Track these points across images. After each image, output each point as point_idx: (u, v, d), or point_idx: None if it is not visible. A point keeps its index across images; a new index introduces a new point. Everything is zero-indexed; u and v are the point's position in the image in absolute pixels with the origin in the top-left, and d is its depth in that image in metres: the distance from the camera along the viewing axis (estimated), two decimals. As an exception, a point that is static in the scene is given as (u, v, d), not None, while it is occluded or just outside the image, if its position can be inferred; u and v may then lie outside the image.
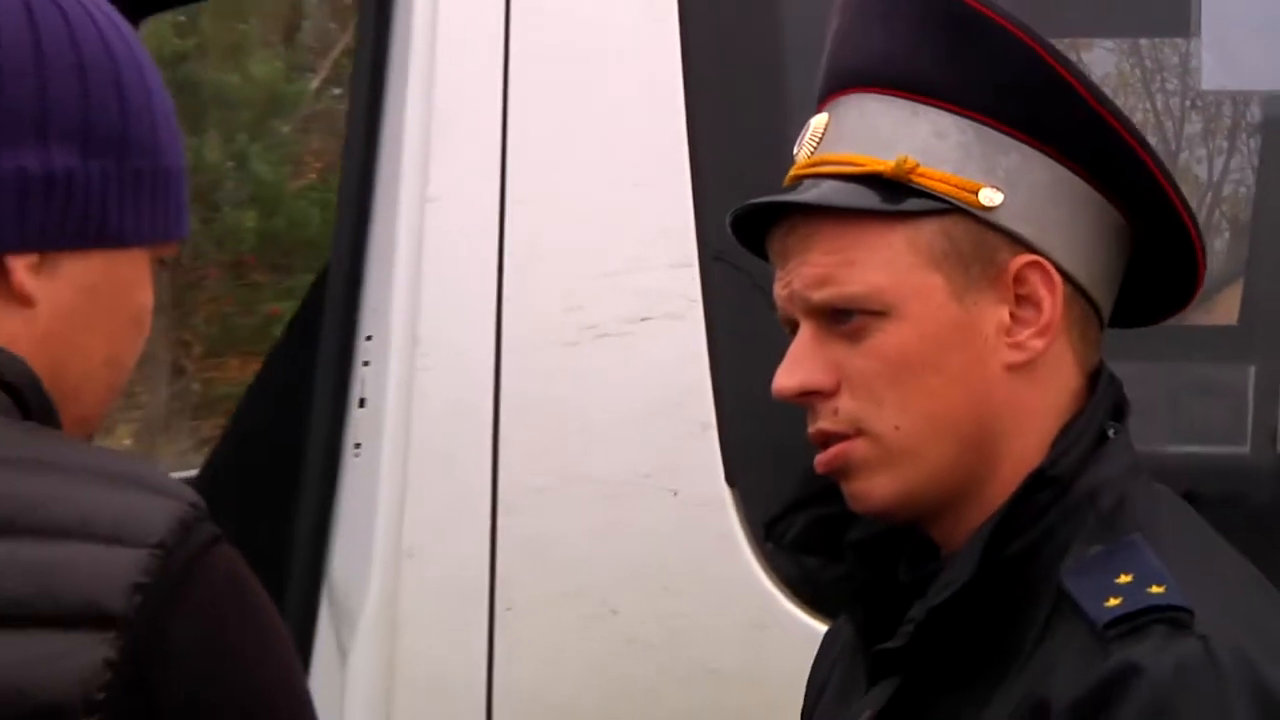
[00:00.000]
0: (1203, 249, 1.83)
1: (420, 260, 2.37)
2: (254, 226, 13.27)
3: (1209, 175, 2.95)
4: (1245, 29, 2.37)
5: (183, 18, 13.31)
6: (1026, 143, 1.77)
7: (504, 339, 2.33)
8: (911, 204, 1.75)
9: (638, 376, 2.28)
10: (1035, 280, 1.75)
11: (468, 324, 2.35)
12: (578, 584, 2.31)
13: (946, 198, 1.74)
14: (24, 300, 1.43)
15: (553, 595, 2.31)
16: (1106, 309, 1.84)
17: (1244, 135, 2.87)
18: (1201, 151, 2.89)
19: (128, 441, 12.55)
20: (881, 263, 1.75)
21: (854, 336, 1.75)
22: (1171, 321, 2.86)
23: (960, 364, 1.75)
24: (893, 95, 1.80)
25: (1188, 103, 2.75)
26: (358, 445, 2.42)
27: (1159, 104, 2.86)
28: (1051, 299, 1.76)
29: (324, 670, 2.40)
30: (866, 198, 1.75)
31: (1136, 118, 2.83)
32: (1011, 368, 1.76)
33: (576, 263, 2.33)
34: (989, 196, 1.74)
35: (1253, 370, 2.83)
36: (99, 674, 1.28)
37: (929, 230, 1.75)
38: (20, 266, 1.42)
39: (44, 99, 1.43)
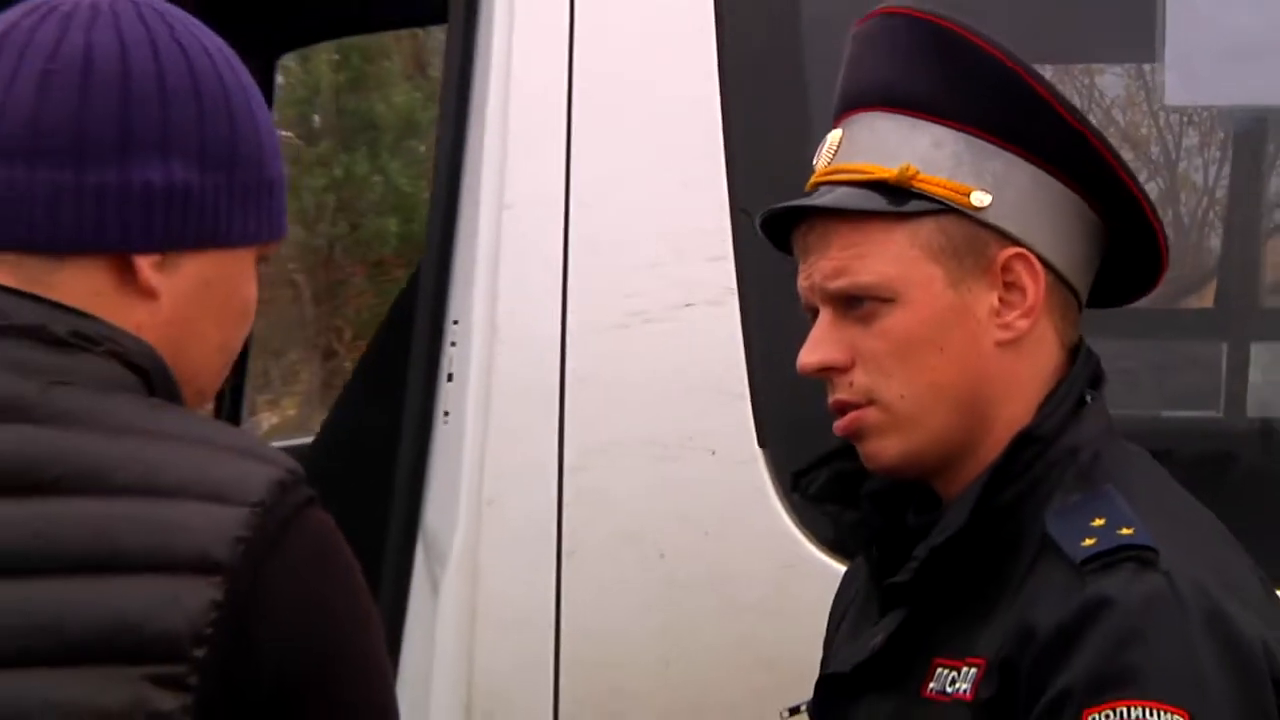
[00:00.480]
0: (1165, 241, 1.84)
1: (498, 257, 2.35)
2: (395, 231, 13.56)
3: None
4: (1205, 53, 2.35)
5: (337, 55, 13.52)
6: (1010, 151, 1.78)
7: (568, 323, 2.33)
8: (913, 205, 1.76)
9: (681, 355, 2.28)
10: (1020, 269, 1.76)
11: (537, 311, 2.33)
12: (631, 531, 2.30)
13: (943, 199, 1.76)
14: (149, 293, 1.44)
15: (610, 541, 2.30)
16: (1084, 292, 1.83)
17: (1210, 146, 2.86)
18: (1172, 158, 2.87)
19: (291, 412, 12.96)
20: (888, 256, 1.76)
21: (865, 320, 1.77)
22: (1161, 305, 2.90)
23: (957, 342, 1.77)
24: (896, 113, 1.80)
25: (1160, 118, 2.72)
26: (446, 413, 2.41)
27: (1131, 118, 2.81)
28: (1034, 285, 1.76)
29: (418, 602, 2.40)
30: (875, 201, 1.77)
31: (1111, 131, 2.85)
32: (1001, 344, 1.77)
33: (629, 258, 2.32)
34: (979, 198, 1.75)
35: (1225, 346, 2.82)
36: (206, 613, 1.29)
37: (928, 228, 1.76)
38: (146, 265, 1.42)
39: (166, 123, 1.43)
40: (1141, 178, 2.55)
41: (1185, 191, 2.96)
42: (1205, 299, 2.99)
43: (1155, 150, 2.87)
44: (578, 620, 2.29)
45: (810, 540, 2.24)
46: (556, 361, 2.33)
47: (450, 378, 2.42)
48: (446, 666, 2.30)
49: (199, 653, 1.29)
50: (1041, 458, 1.76)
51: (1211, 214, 2.95)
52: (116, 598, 1.30)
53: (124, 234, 1.43)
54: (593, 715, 2.30)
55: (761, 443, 2.26)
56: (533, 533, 2.30)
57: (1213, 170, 2.92)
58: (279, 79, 6.18)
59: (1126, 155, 2.55)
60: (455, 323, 2.43)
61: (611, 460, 2.32)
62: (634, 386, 2.33)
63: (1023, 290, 1.77)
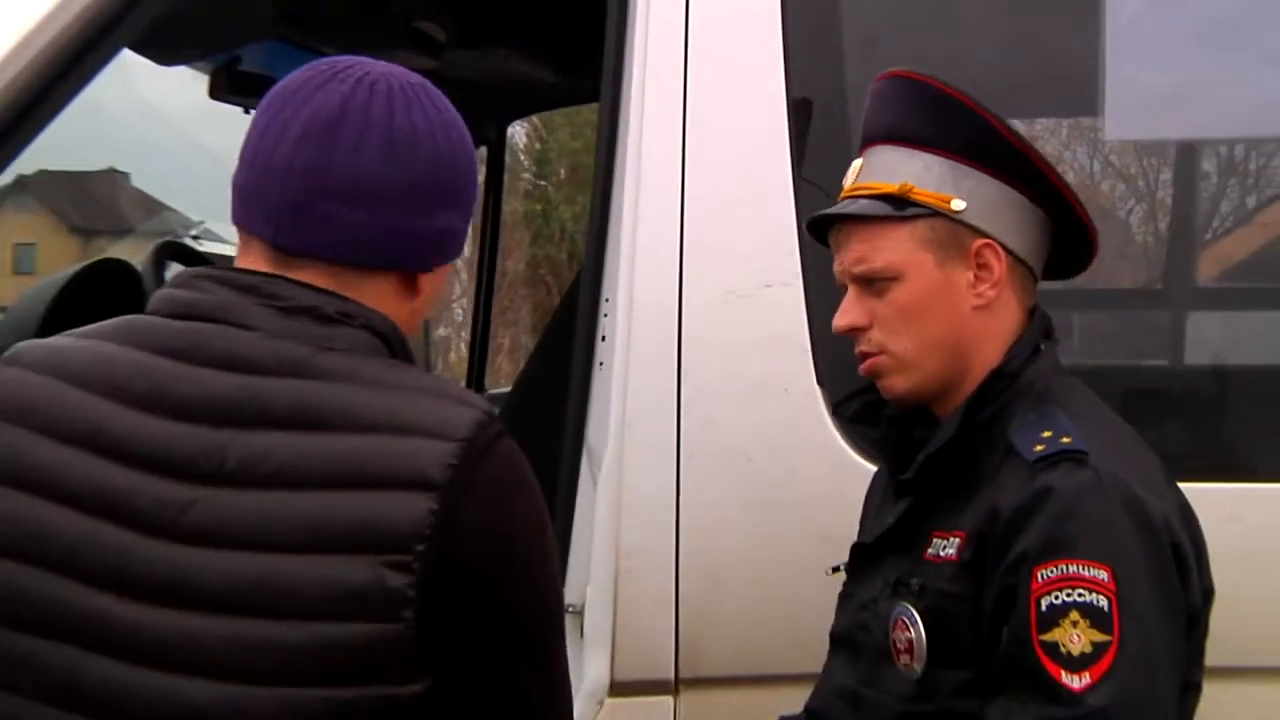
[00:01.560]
0: (1094, 232, 1.87)
1: (634, 255, 2.32)
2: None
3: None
4: (1141, 100, 2.32)
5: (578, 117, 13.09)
6: (979, 170, 1.81)
7: (683, 299, 2.31)
8: (910, 211, 1.81)
9: (763, 321, 2.26)
10: (988, 254, 1.81)
11: (662, 290, 2.31)
12: (728, 445, 2.27)
13: (931, 206, 1.80)
14: (416, 294, 1.45)
15: (712, 452, 2.27)
16: (1038, 270, 1.86)
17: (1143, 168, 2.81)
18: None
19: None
20: (894, 248, 1.81)
21: (880, 294, 1.83)
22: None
23: (944, 308, 1.81)
24: (899, 146, 1.84)
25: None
26: (601, 363, 2.41)
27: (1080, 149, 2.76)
28: (999, 265, 1.81)
29: (584, 494, 2.42)
30: (883, 209, 1.82)
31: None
32: (976, 309, 1.82)
33: (725, 253, 2.29)
34: (957, 204, 1.81)
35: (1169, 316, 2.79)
36: (425, 518, 1.28)
37: (922, 227, 1.82)
38: (424, 278, 1.45)
39: (454, 185, 1.44)
40: (1091, 194, 2.57)
41: (1123, 201, 2.90)
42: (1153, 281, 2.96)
43: (1098, 171, 2.79)
44: (690, 506, 2.27)
45: (852, 449, 2.23)
46: (675, 327, 2.31)
47: (603, 339, 2.41)
48: (602, 537, 2.28)
49: (419, 547, 1.28)
50: (1009, 388, 1.79)
51: (1146, 219, 2.90)
52: (363, 506, 1.29)
53: (424, 260, 1.44)
54: (699, 572, 2.26)
55: (820, 383, 2.24)
56: (659, 446, 2.28)
57: (1146, 185, 2.88)
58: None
59: (1078, 175, 2.56)
60: (606, 300, 2.42)
61: (713, 396, 2.29)
62: (729, 344, 2.29)
63: (990, 269, 1.81)
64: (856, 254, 1.83)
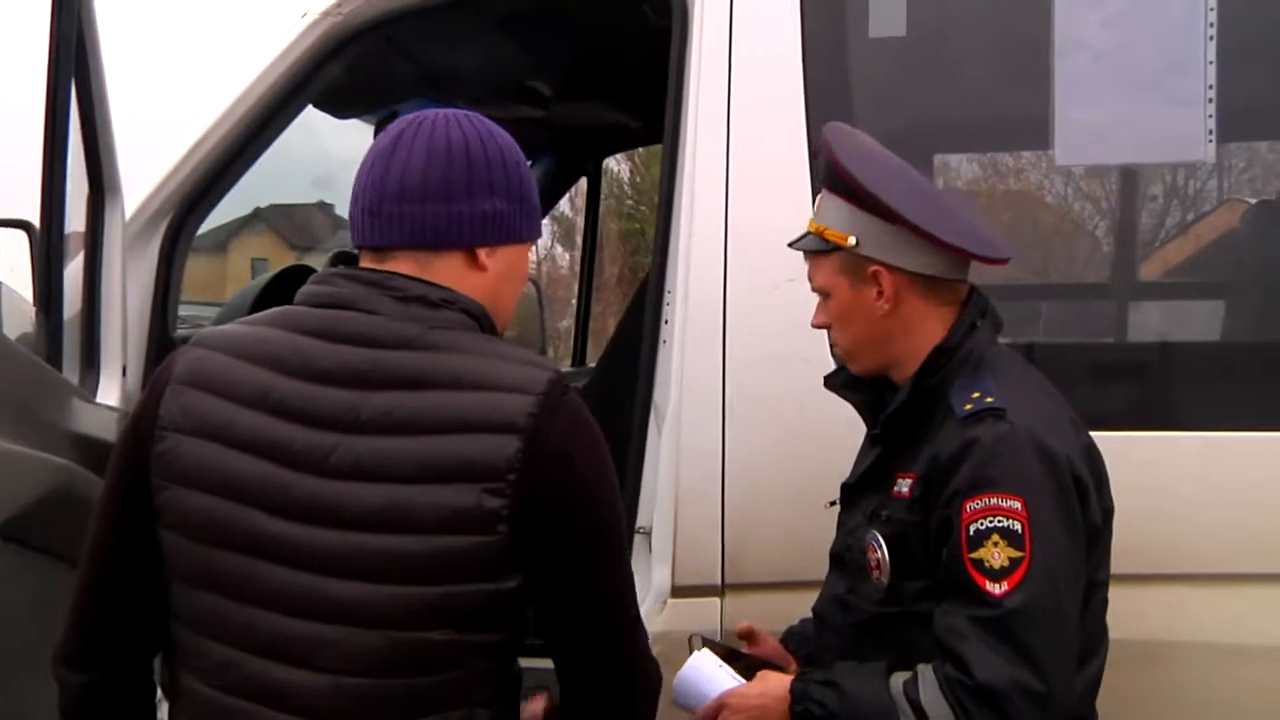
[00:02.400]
0: (960, 250, 1.76)
1: (690, 252, 2.32)
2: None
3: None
4: (1085, 131, 2.28)
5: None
6: (865, 211, 1.75)
7: (727, 290, 2.30)
8: (827, 246, 1.80)
9: (790, 307, 2.17)
10: (882, 274, 1.75)
11: (711, 280, 2.30)
12: (763, 402, 2.27)
13: (835, 243, 1.77)
14: (482, 269, 1.43)
15: (751, 409, 2.27)
16: (946, 272, 1.78)
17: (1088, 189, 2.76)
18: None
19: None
20: (824, 273, 1.82)
21: (826, 303, 1.84)
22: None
23: (861, 315, 1.80)
24: (828, 191, 1.81)
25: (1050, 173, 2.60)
26: (664, 341, 2.41)
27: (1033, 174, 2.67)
28: (889, 284, 1.76)
29: (651, 442, 2.42)
30: (815, 244, 1.82)
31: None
32: (884, 316, 1.79)
33: (761, 252, 2.24)
34: (850, 241, 1.77)
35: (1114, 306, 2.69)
36: (515, 455, 1.30)
37: (835, 258, 1.81)
38: (482, 254, 1.42)
39: (490, 178, 1.41)
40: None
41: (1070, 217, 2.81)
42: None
43: (1049, 192, 2.73)
44: (733, 452, 2.28)
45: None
46: (721, 312, 2.30)
47: (666, 322, 2.40)
48: (665, 476, 2.29)
49: (510, 477, 1.30)
50: (949, 360, 1.76)
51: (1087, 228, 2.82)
52: (465, 446, 1.31)
53: (473, 238, 1.42)
54: (740, 503, 2.26)
55: (834, 357, 2.17)
56: (709, 405, 2.28)
57: (1091, 205, 2.82)
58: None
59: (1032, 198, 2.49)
60: (669, 292, 2.41)
61: (752, 366, 2.29)
62: (764, 325, 2.29)
63: (883, 288, 1.77)
64: (809, 273, 1.86)
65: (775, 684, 1.73)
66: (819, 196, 1.84)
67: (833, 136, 1.82)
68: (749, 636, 1.95)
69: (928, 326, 1.79)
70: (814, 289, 1.84)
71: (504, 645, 1.36)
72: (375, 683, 1.31)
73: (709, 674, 1.78)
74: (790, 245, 1.86)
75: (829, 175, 1.80)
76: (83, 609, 1.45)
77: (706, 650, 1.82)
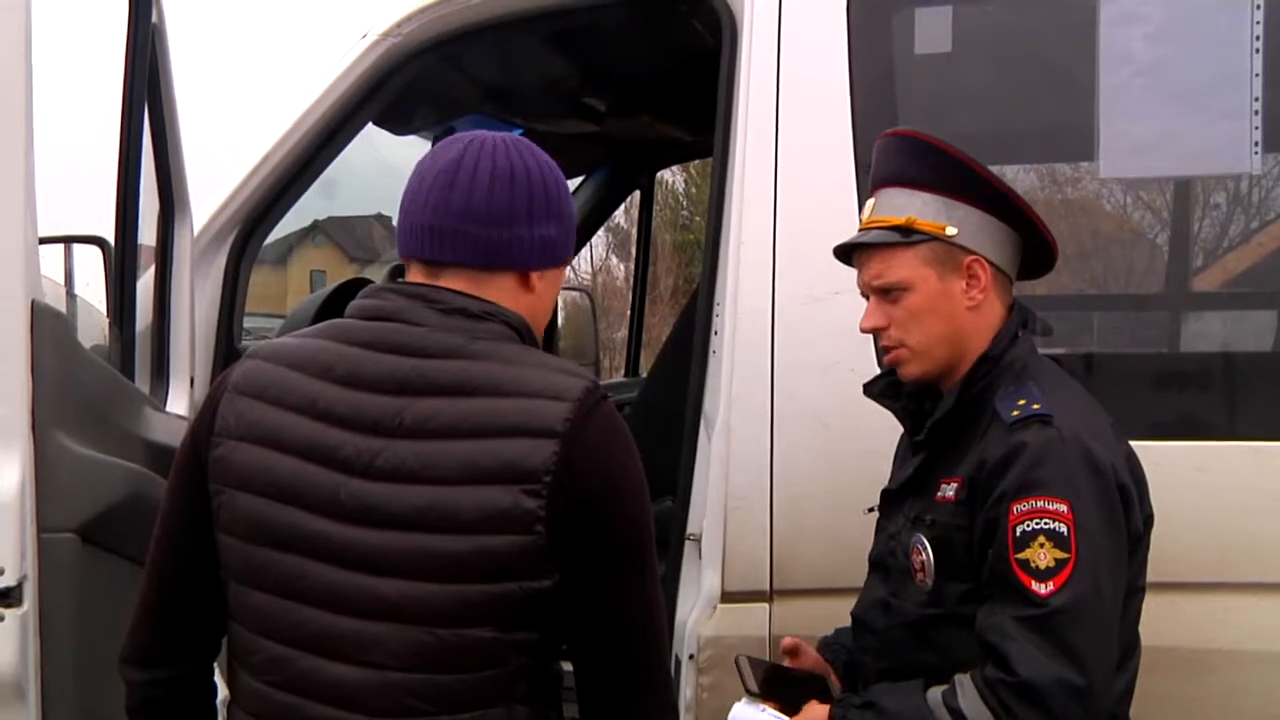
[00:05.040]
0: (1054, 245, 1.83)
1: (739, 266, 2.34)
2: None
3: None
4: (1128, 144, 2.29)
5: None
6: (965, 202, 1.78)
7: (775, 303, 2.32)
8: (915, 238, 1.79)
9: (834, 319, 2.22)
10: (976, 268, 1.78)
11: (759, 295, 2.32)
12: (808, 411, 2.29)
13: (930, 233, 1.78)
14: (531, 290, 1.46)
15: (797, 416, 2.29)
16: (1014, 275, 1.83)
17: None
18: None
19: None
20: (904, 266, 1.81)
21: (895, 301, 1.83)
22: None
23: (945, 310, 1.81)
24: (902, 187, 1.81)
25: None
26: (714, 351, 2.42)
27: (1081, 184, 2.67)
28: (985, 275, 1.78)
29: (702, 449, 2.42)
30: (893, 237, 1.81)
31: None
32: (969, 309, 1.80)
33: (806, 268, 2.29)
34: (950, 231, 1.78)
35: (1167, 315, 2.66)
36: (551, 457, 1.33)
37: (924, 249, 1.80)
38: (534, 276, 1.46)
39: (547, 204, 1.45)
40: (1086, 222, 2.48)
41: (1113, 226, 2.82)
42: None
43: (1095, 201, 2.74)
44: (781, 460, 2.29)
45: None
46: (769, 323, 2.32)
47: (716, 333, 2.42)
48: (715, 483, 2.31)
49: (547, 478, 1.32)
50: (994, 368, 1.78)
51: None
52: (506, 449, 1.33)
53: (528, 262, 1.45)
54: (787, 510, 2.28)
55: (879, 365, 2.17)
56: (757, 414, 2.29)
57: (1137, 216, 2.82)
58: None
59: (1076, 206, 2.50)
60: (718, 304, 2.43)
61: (798, 374, 2.31)
62: (809, 336, 2.30)
63: (978, 279, 1.79)
64: (874, 271, 1.83)
65: (817, 716, 1.75)
66: (880, 193, 1.85)
67: (910, 133, 1.85)
68: (793, 652, 1.96)
69: (991, 326, 1.81)
70: (882, 285, 1.82)
71: (543, 644, 1.38)
72: (421, 678, 1.34)
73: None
74: (865, 242, 1.84)
75: (913, 168, 1.81)
76: (147, 610, 1.50)
77: (744, 701, 1.82)
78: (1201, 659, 2.16)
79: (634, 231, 8.41)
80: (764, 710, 1.79)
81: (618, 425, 1.40)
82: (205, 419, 1.44)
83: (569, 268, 1.59)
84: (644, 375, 4.64)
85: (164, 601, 1.49)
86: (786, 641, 1.99)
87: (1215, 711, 2.18)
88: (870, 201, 1.88)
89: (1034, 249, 1.87)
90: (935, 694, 1.66)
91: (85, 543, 1.98)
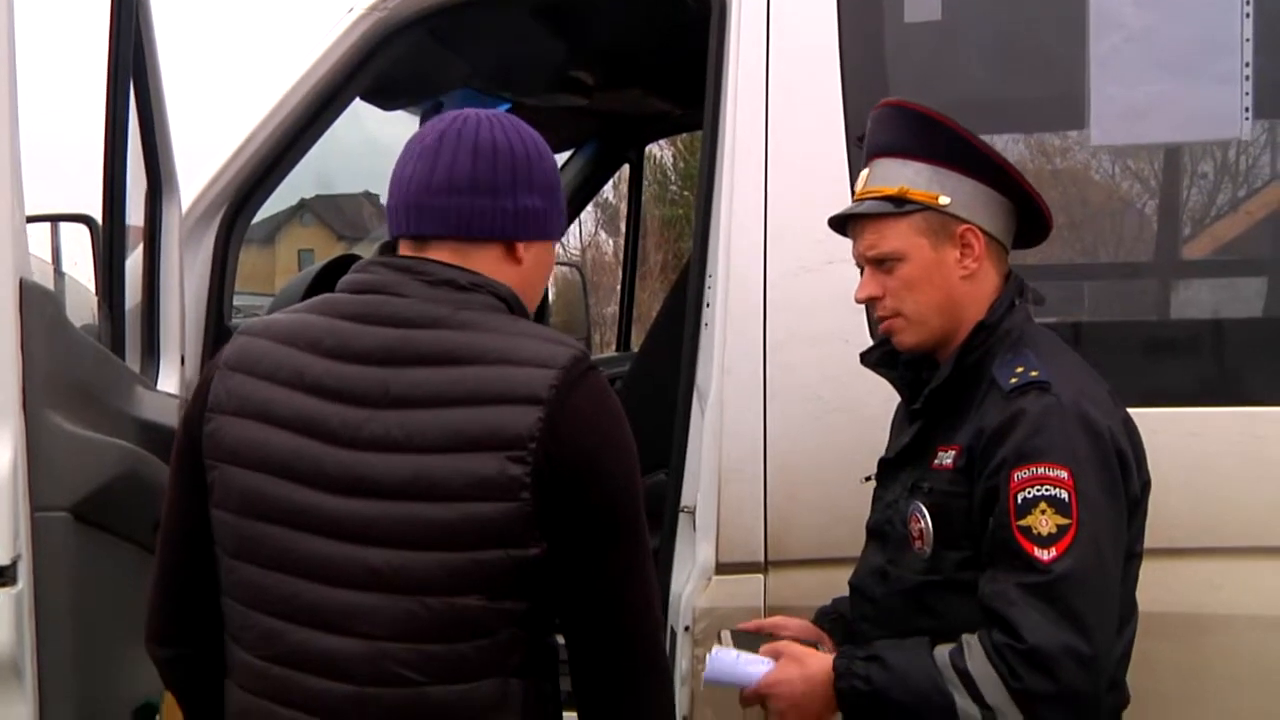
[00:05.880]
0: (1048, 214, 1.83)
1: (730, 236, 2.32)
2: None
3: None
4: (1118, 110, 2.28)
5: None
6: (958, 172, 1.78)
7: (767, 273, 2.31)
8: (908, 208, 1.78)
9: (827, 289, 2.22)
10: (970, 237, 1.78)
11: (750, 266, 2.31)
12: (801, 383, 2.28)
13: (923, 203, 1.78)
14: (517, 261, 1.47)
15: (790, 387, 2.28)
16: (1008, 244, 1.82)
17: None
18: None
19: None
20: (898, 236, 1.81)
21: (889, 271, 1.82)
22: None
23: (939, 278, 1.81)
24: (895, 157, 1.81)
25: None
26: (706, 324, 2.42)
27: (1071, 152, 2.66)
28: (978, 244, 1.77)
29: (695, 422, 2.40)
30: (887, 207, 1.80)
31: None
32: (963, 278, 1.79)
33: (799, 238, 2.27)
34: (943, 200, 1.77)
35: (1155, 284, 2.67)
36: (536, 424, 1.34)
37: (917, 219, 1.79)
38: (520, 246, 1.47)
39: (530, 176, 1.46)
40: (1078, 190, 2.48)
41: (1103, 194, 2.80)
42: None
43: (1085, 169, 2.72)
44: (774, 431, 2.29)
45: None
46: (761, 295, 2.31)
47: (708, 305, 2.42)
48: (708, 455, 2.30)
49: (532, 445, 1.33)
50: (990, 336, 1.77)
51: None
52: (491, 416, 1.34)
53: (511, 231, 1.46)
54: (781, 481, 2.26)
55: (872, 335, 2.19)
56: (750, 386, 2.29)
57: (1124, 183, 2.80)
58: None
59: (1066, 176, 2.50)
60: (710, 275, 2.42)
61: (790, 345, 2.30)
62: (802, 307, 2.30)
63: (972, 248, 1.78)
64: (869, 242, 1.83)
65: (816, 664, 1.75)
66: (874, 163, 1.85)
67: (903, 103, 1.85)
68: (774, 629, 1.96)
69: (987, 295, 1.81)
70: (876, 256, 1.82)
71: (533, 615, 1.38)
72: (413, 648, 1.35)
73: (728, 669, 1.80)
74: (858, 212, 1.83)
75: (907, 138, 1.81)
76: (161, 587, 1.52)
77: (718, 649, 1.83)
78: (1196, 623, 2.17)
79: (623, 207, 8.40)
80: (740, 656, 1.80)
81: (605, 393, 1.41)
82: (199, 398, 1.46)
83: (559, 244, 1.58)
84: (635, 350, 4.63)
85: (175, 579, 1.51)
86: (758, 624, 1.99)
87: (1210, 676, 2.19)
88: (865, 172, 1.87)
89: (1029, 218, 1.86)
90: (942, 653, 1.66)
91: (78, 521, 1.99)
